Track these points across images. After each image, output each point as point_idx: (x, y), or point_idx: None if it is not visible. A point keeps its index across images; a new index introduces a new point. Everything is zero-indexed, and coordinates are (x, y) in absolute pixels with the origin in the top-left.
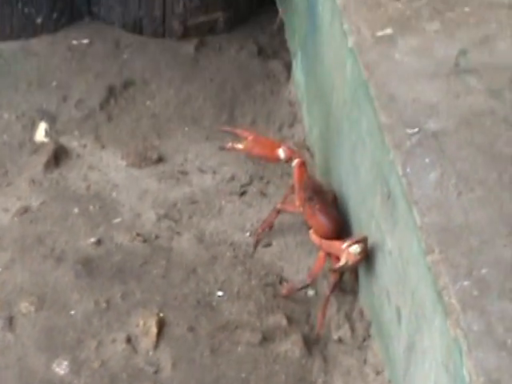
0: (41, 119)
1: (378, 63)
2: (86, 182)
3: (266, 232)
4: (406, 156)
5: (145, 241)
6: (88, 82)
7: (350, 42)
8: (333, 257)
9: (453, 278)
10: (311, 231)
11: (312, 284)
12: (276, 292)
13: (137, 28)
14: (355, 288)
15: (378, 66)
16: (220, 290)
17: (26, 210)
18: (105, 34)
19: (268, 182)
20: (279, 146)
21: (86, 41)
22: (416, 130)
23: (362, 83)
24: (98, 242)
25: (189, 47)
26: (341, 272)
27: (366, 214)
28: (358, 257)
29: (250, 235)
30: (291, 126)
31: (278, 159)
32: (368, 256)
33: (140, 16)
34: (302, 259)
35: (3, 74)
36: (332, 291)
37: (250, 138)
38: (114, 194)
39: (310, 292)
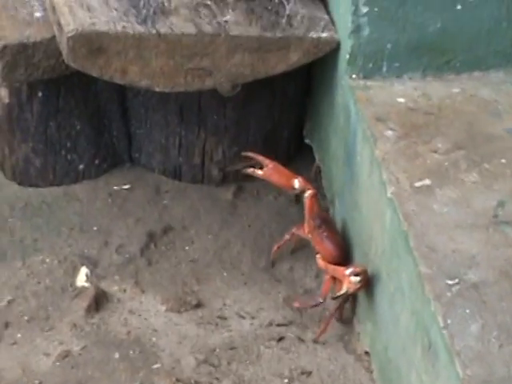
0: (82, 264)
1: (417, 214)
2: (127, 326)
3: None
4: (446, 307)
5: None
6: (128, 227)
7: (389, 192)
8: (337, 280)
9: None
10: (318, 256)
11: (324, 302)
12: None
13: (176, 174)
14: None
15: (417, 216)
16: None
17: (67, 354)
18: (145, 180)
19: (306, 328)
20: (295, 177)
21: (126, 186)
22: (456, 280)
23: (401, 233)
24: None
25: (227, 193)
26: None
27: (406, 364)
28: (358, 285)
29: (288, 382)
30: None
31: (292, 188)
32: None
33: (180, 163)
34: None
35: (46, 219)
36: (336, 310)
37: (270, 165)
38: (154, 339)
39: None
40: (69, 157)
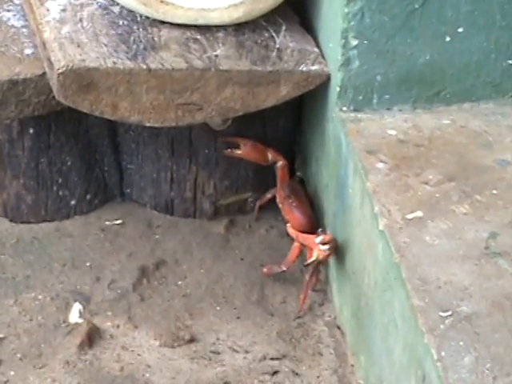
0: (75, 300)
1: (409, 246)
2: (120, 362)
3: None
4: (440, 339)
5: None
6: (121, 262)
7: (381, 224)
8: (307, 248)
9: None
10: (288, 225)
11: (288, 270)
12: None
13: (168, 208)
14: None
15: (409, 248)
16: None
17: None
18: (137, 215)
19: (300, 362)
20: (267, 150)
21: (118, 221)
22: (449, 312)
23: (393, 265)
24: None
25: (219, 227)
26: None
27: None
28: (327, 253)
29: None
30: (321, 304)
31: (266, 161)
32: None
33: (171, 197)
34: None
35: (38, 256)
36: (311, 276)
37: (248, 144)
38: (148, 375)
39: None
40: (60, 192)
